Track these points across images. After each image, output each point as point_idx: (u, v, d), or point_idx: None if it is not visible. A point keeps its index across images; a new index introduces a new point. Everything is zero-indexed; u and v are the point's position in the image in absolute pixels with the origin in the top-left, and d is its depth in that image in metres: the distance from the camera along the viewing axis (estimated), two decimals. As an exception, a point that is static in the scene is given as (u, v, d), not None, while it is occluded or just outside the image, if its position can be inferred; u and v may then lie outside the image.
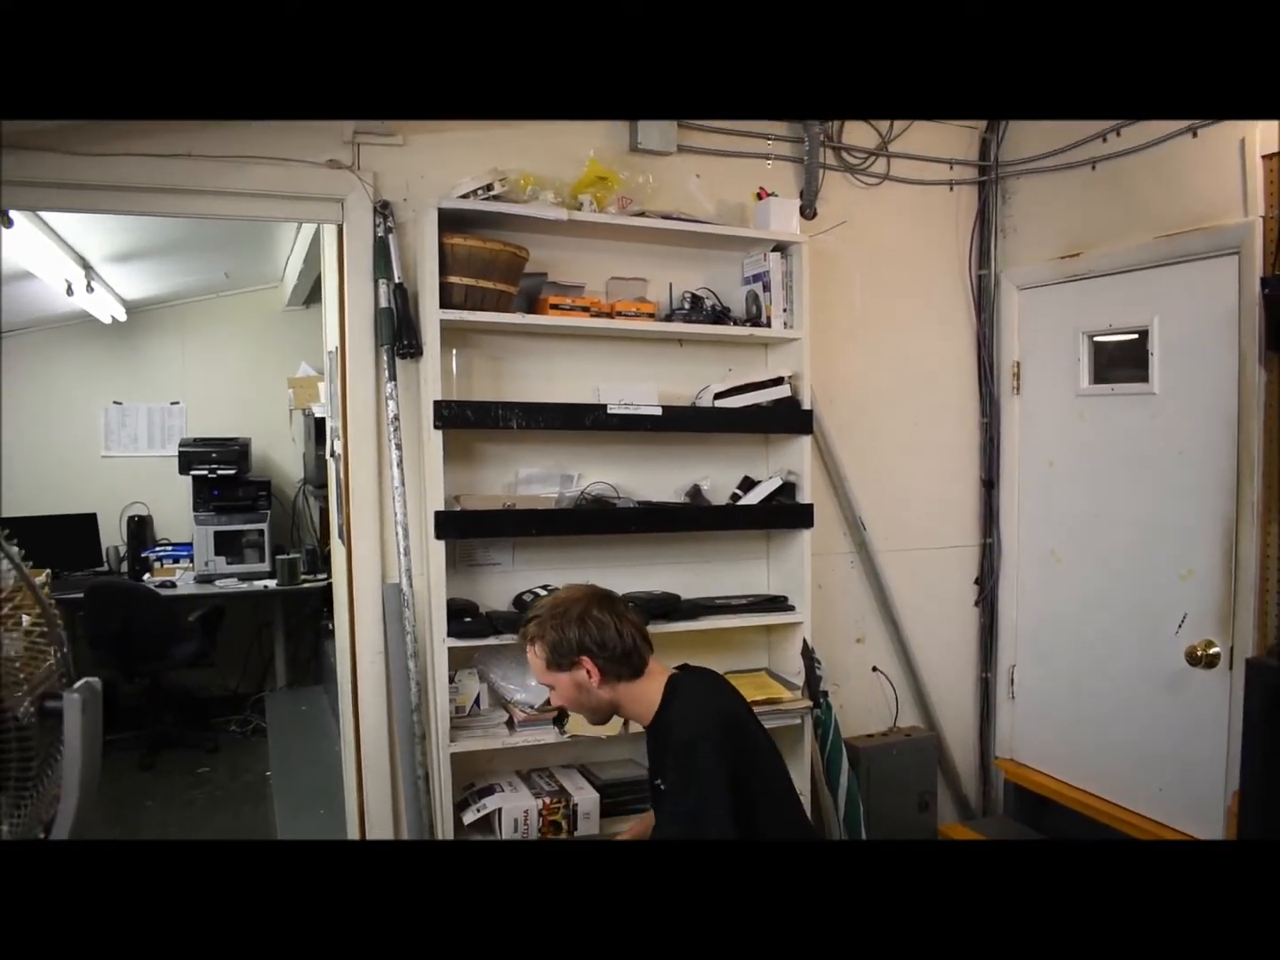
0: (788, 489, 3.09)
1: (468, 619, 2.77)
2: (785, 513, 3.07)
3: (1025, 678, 3.58)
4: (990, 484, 3.59)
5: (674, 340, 3.10)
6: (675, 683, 2.24)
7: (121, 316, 5.51)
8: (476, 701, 2.86)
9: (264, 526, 5.61)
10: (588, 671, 2.19)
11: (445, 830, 2.73)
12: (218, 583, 5.48)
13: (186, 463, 5.58)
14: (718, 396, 3.00)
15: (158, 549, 5.70)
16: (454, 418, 2.69)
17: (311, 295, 5.84)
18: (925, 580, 3.56)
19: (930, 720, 3.59)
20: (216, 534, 5.52)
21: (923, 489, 3.55)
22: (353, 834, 2.98)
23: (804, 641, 3.08)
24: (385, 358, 2.77)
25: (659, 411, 2.88)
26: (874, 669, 3.50)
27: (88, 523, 5.55)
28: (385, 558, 2.83)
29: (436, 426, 2.68)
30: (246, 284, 5.93)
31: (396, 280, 2.75)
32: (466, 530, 2.77)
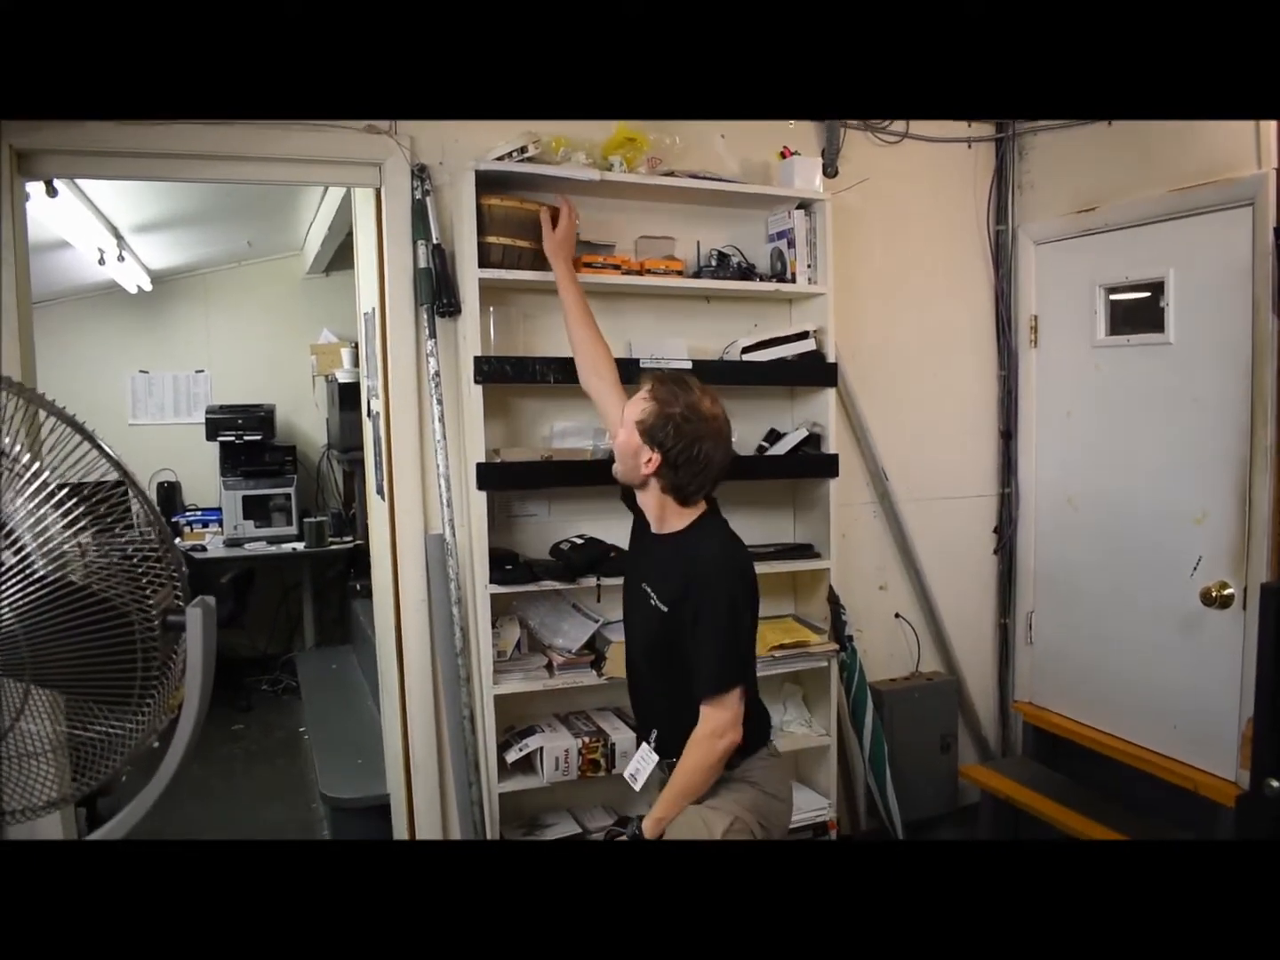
0: (813, 440, 3.19)
1: (508, 566, 2.88)
2: (811, 463, 3.17)
3: (1043, 623, 3.69)
4: (1009, 435, 3.68)
5: (702, 297, 3.19)
6: (707, 521, 2.25)
7: (147, 286, 5.60)
8: (517, 646, 2.98)
9: (290, 490, 5.73)
10: (650, 461, 2.17)
11: (489, 769, 2.85)
12: (246, 546, 5.59)
13: (213, 429, 5.69)
14: (745, 351, 3.09)
15: (187, 514, 5.81)
16: (493, 373, 2.78)
17: (333, 263, 5.92)
18: (946, 529, 3.66)
19: (951, 665, 3.70)
20: (244, 498, 5.63)
21: (943, 440, 3.64)
22: (395, 778, 3.11)
23: (830, 588, 3.19)
24: (425, 316, 2.86)
25: (689, 365, 2.96)
26: (896, 615, 3.61)
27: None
28: (427, 510, 2.93)
29: (477, 381, 2.77)
30: (268, 252, 6.01)
31: (435, 241, 2.84)
32: (507, 481, 2.86)
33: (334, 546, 5.67)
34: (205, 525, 5.75)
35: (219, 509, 5.72)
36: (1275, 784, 1.90)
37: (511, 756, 2.89)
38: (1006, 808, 3.44)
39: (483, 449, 2.80)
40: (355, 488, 5.72)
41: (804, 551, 3.22)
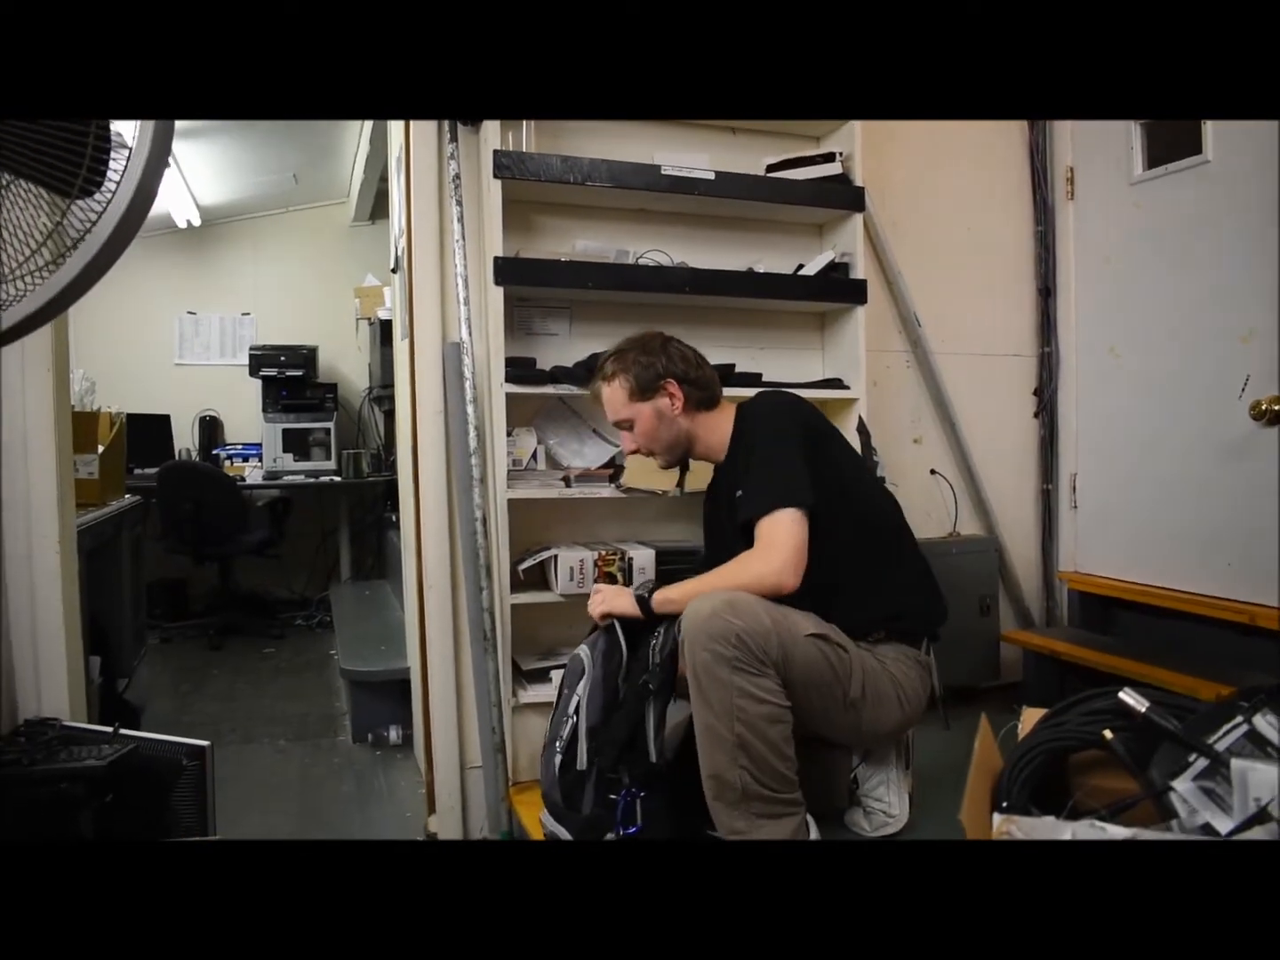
0: (841, 270, 3.11)
1: (525, 369, 2.83)
2: (839, 286, 3.08)
3: (1087, 484, 3.53)
4: (1047, 292, 3.57)
5: (727, 128, 3.16)
6: (743, 406, 2.30)
7: (196, 220, 5.73)
8: (534, 458, 2.93)
9: (330, 425, 5.74)
10: (671, 397, 2.29)
11: (502, 576, 2.77)
12: (285, 479, 5.61)
13: (257, 365, 5.75)
14: (770, 169, 3.05)
15: (227, 448, 5.86)
16: (513, 167, 2.76)
17: (375, 210, 6.04)
18: (983, 386, 3.54)
19: (992, 530, 3.55)
20: (284, 432, 5.66)
21: (978, 293, 3.54)
22: (410, 600, 3.04)
23: (859, 418, 3.08)
24: (448, 122, 2.86)
25: (711, 176, 2.92)
26: (932, 471, 3.48)
27: (161, 423, 5.73)
28: (446, 317, 2.89)
29: (496, 176, 2.75)
30: (315, 198, 6.13)
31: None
32: (525, 278, 2.81)
33: (371, 479, 5.66)
34: (245, 460, 5.78)
35: (260, 444, 5.75)
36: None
37: (525, 564, 2.81)
38: (1051, 664, 3.26)
39: (500, 244, 2.77)
40: (395, 431, 5.72)
41: (832, 383, 3.12)
